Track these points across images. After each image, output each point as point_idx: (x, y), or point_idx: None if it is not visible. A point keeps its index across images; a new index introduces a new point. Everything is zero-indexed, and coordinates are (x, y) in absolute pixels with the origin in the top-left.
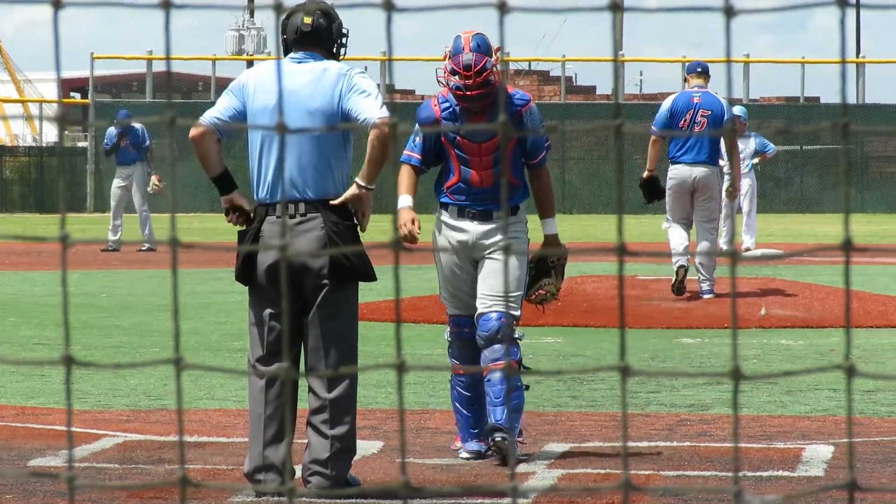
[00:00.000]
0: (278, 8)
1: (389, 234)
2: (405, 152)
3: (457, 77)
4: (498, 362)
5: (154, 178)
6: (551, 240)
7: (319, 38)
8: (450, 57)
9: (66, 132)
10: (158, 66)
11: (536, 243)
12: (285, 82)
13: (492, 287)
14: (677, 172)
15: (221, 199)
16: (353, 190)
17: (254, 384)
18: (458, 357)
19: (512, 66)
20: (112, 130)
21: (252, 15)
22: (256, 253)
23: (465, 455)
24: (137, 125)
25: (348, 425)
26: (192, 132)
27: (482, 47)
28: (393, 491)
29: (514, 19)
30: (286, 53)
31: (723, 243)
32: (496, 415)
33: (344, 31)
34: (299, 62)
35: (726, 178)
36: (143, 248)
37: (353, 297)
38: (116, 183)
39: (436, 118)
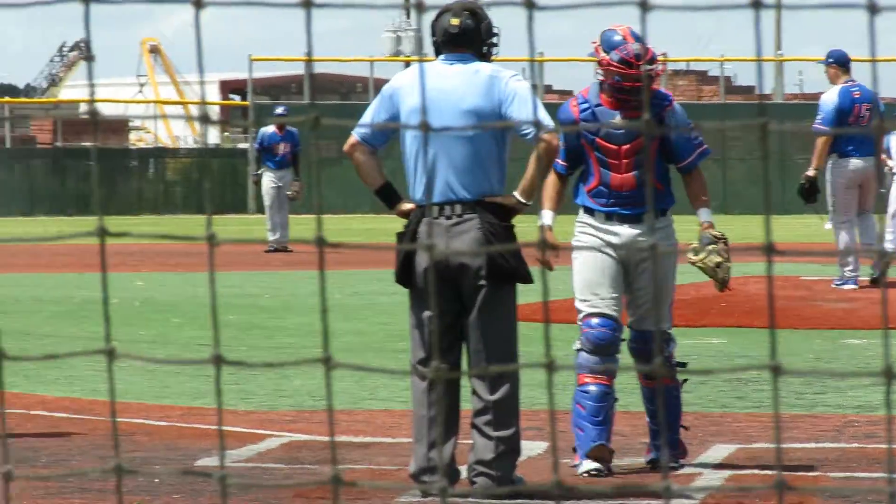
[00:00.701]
0: (420, 7)
1: (536, 235)
2: None
3: (622, 68)
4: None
5: (297, 184)
6: (707, 227)
7: (468, 39)
8: (608, 50)
9: (227, 133)
10: (318, 68)
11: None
12: (436, 84)
13: (646, 294)
14: (850, 167)
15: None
16: (511, 201)
17: (416, 386)
18: (587, 366)
19: (670, 66)
20: (270, 132)
21: (408, 16)
22: (415, 254)
23: (584, 469)
24: (294, 129)
25: (513, 427)
26: (345, 146)
27: (640, 39)
28: (546, 491)
29: (672, 18)
30: (437, 55)
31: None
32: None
33: (494, 30)
34: (450, 64)
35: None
36: (282, 249)
37: (512, 298)
38: (270, 183)
39: (574, 119)
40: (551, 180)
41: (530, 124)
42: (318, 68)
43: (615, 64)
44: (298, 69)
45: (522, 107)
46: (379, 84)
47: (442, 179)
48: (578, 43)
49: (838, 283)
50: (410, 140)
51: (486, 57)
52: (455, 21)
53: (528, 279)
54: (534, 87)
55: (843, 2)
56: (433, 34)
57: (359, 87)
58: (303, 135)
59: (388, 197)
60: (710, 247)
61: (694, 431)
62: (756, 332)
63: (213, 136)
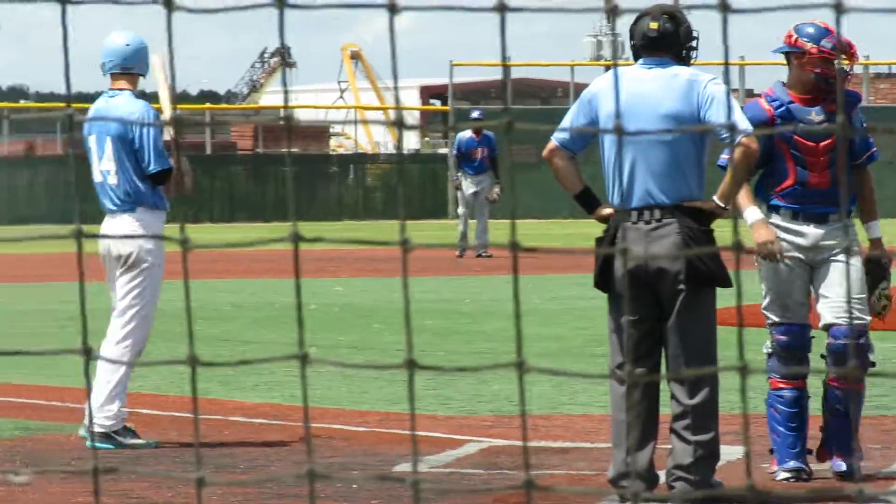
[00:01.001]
0: (615, 10)
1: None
2: (723, 156)
3: (833, 55)
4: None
5: (497, 188)
6: (877, 243)
7: (667, 43)
8: (815, 40)
9: (426, 139)
10: (517, 73)
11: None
12: (634, 88)
13: (839, 294)
14: None
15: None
16: (710, 205)
17: (615, 390)
18: (778, 370)
19: (871, 70)
20: (467, 137)
21: (608, 20)
22: (614, 259)
23: (783, 476)
24: (490, 133)
25: (712, 431)
26: (545, 152)
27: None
28: (742, 495)
29: (872, 20)
30: (635, 59)
31: None
32: (839, 442)
33: (694, 34)
34: (648, 68)
35: None
36: (484, 254)
37: (711, 302)
38: (469, 189)
39: (769, 118)
40: None
41: (727, 128)
42: (519, 73)
43: (827, 51)
44: (498, 74)
45: (720, 110)
46: (579, 89)
47: (641, 184)
48: (775, 45)
49: None
50: (609, 145)
51: (684, 61)
52: (654, 25)
53: (727, 283)
54: (734, 90)
55: None
56: (631, 38)
57: (559, 92)
58: (500, 139)
59: (587, 202)
60: (883, 285)
61: (893, 435)
62: None
63: (413, 142)
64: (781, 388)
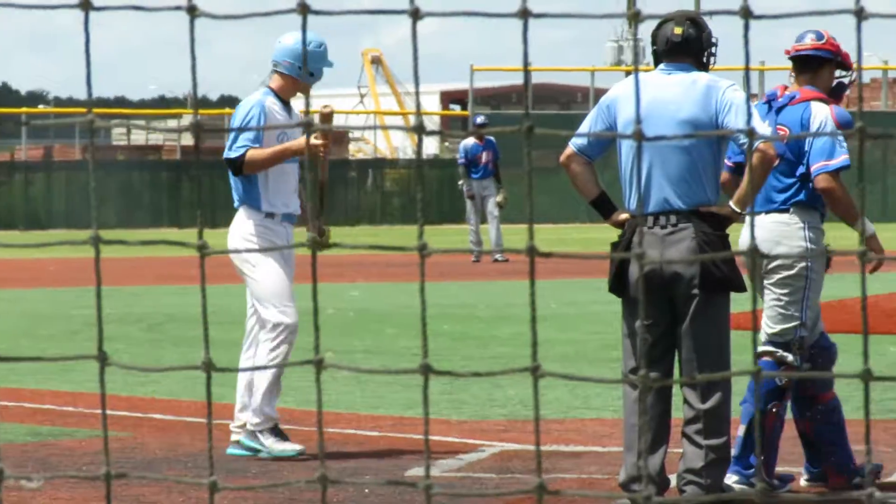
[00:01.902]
0: (636, 16)
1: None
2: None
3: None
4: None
5: (503, 193)
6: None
7: (690, 49)
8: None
9: (446, 144)
10: (537, 78)
11: None
12: (654, 93)
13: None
14: None
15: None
16: (726, 211)
17: (628, 395)
18: (826, 382)
19: (891, 75)
20: (471, 143)
21: (631, 25)
22: (629, 264)
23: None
24: (492, 138)
25: (724, 435)
26: (561, 157)
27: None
28: (751, 500)
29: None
30: (656, 64)
31: None
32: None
33: (713, 40)
34: (668, 73)
35: None
36: (499, 258)
37: (725, 307)
38: (478, 195)
39: (853, 122)
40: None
41: (745, 134)
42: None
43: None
44: (518, 79)
45: (739, 116)
46: (599, 94)
47: (657, 189)
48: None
49: None
50: (626, 150)
51: (704, 66)
52: (678, 30)
53: (741, 288)
54: (754, 96)
55: None
56: (654, 43)
57: (579, 97)
58: (516, 144)
59: (604, 207)
60: None
61: None
62: None
63: (432, 147)
64: (831, 400)
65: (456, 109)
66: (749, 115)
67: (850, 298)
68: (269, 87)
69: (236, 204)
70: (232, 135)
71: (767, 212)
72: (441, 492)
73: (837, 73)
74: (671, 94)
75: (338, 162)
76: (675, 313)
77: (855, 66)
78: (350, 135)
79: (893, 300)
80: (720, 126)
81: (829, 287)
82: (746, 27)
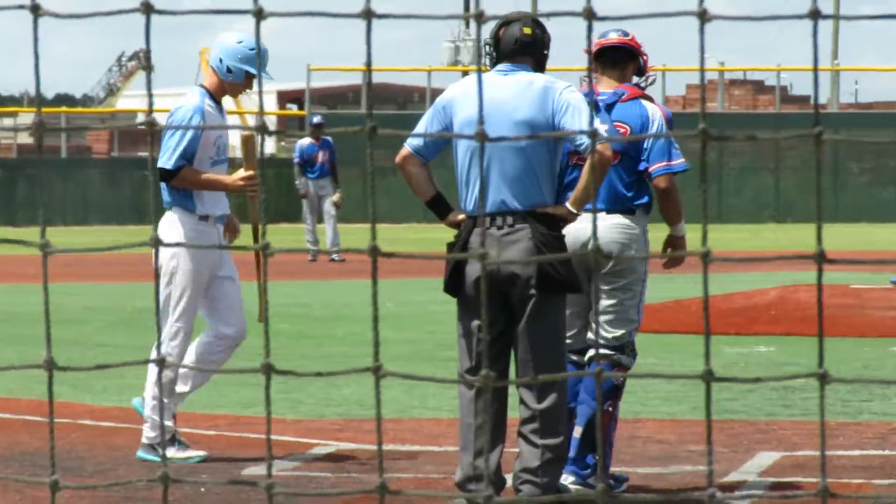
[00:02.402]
0: (479, 16)
1: None
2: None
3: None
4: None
5: (339, 194)
6: None
7: (535, 49)
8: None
9: (282, 143)
10: (376, 78)
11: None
12: (491, 94)
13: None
14: None
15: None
16: (562, 211)
17: (463, 395)
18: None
19: (727, 76)
20: (307, 143)
21: (468, 26)
22: (465, 264)
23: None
24: (329, 138)
25: (560, 435)
26: (397, 158)
27: None
28: (590, 500)
29: (729, 28)
30: (492, 66)
31: None
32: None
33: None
34: (505, 74)
35: None
36: (335, 258)
37: (561, 307)
38: (313, 194)
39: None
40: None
41: (585, 135)
42: (377, 78)
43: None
44: (356, 79)
45: (576, 117)
46: (436, 94)
47: (494, 190)
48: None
49: None
50: (463, 151)
51: (542, 68)
52: (528, 30)
53: (577, 289)
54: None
55: None
56: (497, 43)
57: (416, 97)
58: (354, 144)
59: (440, 208)
60: None
61: (739, 439)
62: (805, 340)
63: (269, 147)
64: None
65: (293, 109)
66: (588, 116)
67: (688, 299)
68: (203, 87)
69: (167, 205)
70: (169, 142)
71: (610, 211)
72: (282, 491)
73: (634, 79)
74: (508, 95)
75: None
76: (512, 314)
77: (653, 68)
78: None
79: (728, 301)
80: (557, 127)
81: (665, 289)
82: (590, 28)
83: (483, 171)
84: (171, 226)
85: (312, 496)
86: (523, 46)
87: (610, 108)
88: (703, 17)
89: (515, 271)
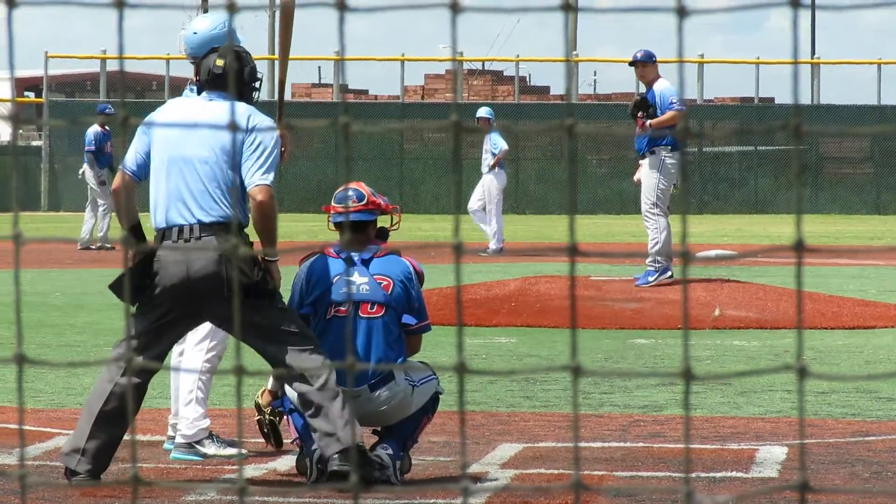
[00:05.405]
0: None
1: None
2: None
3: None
4: None
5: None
6: None
7: (229, 81)
8: None
9: (21, 131)
10: (112, 66)
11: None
12: (191, 115)
13: None
14: (674, 161)
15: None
16: (265, 264)
17: (102, 385)
18: None
19: (465, 66)
20: (99, 132)
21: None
22: (149, 277)
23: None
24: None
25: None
26: (115, 183)
27: None
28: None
29: (468, 19)
30: (199, 92)
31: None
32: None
33: (258, 75)
34: (209, 99)
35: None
36: (107, 247)
37: (270, 304)
38: (104, 181)
39: None
40: None
41: (250, 179)
42: (114, 66)
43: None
44: (94, 67)
45: (257, 156)
46: (175, 82)
47: (182, 203)
48: (375, 43)
49: (652, 275)
50: (155, 169)
51: (246, 98)
52: (220, 62)
53: (274, 291)
54: (344, 86)
55: (648, 5)
56: (197, 73)
57: (154, 86)
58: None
59: (138, 236)
60: None
61: (481, 430)
62: (544, 332)
63: (6, 134)
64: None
65: (31, 97)
66: (267, 160)
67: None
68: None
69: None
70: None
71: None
72: (36, 482)
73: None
74: (205, 119)
75: None
76: (196, 320)
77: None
78: None
79: (468, 291)
80: (241, 152)
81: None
82: (342, 21)
83: (172, 185)
84: None
85: (60, 486)
86: (217, 77)
87: (367, 263)
88: (456, 8)
89: (206, 279)
